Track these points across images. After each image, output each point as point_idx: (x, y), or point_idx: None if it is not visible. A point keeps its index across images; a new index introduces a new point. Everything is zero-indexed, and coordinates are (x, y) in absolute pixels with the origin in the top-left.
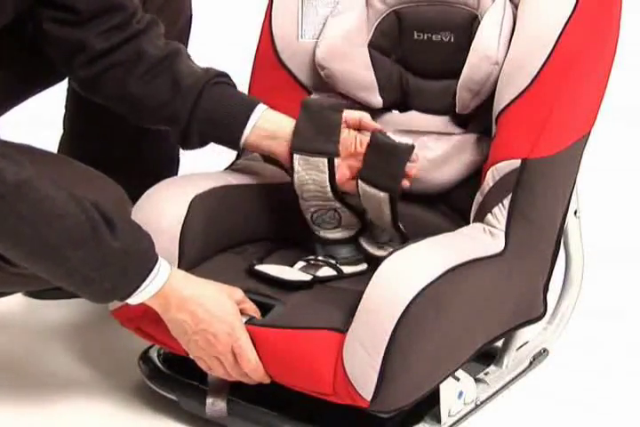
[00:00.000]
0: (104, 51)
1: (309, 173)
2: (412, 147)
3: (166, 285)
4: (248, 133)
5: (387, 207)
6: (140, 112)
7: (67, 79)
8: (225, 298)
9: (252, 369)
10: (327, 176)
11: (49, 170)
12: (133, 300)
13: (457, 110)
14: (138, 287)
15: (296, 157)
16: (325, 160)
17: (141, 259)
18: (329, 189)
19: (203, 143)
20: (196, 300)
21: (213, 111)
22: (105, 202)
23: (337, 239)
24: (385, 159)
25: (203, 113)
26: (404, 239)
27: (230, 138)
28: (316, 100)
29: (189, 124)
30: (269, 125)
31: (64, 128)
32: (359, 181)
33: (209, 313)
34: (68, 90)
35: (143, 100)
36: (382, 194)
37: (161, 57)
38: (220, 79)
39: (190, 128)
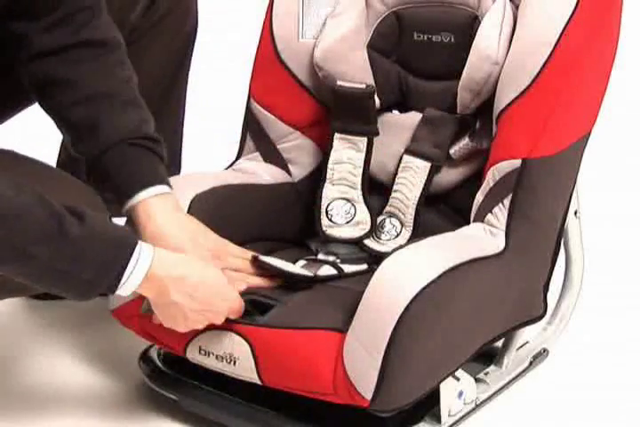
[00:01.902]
0: (45, 51)
1: (347, 152)
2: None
3: (153, 266)
4: (127, 208)
5: (423, 179)
6: (64, 134)
7: None
8: (214, 270)
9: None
10: (364, 154)
11: (27, 176)
12: (124, 289)
13: (458, 111)
14: (122, 274)
15: (337, 136)
16: (365, 139)
17: (118, 243)
18: (361, 169)
19: (99, 190)
20: (190, 279)
21: (108, 172)
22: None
23: (342, 239)
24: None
25: (102, 166)
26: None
27: (118, 201)
28: (347, 88)
29: (91, 168)
30: (141, 216)
31: None
32: (404, 155)
33: (208, 292)
34: None
35: (62, 127)
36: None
37: (97, 92)
38: (140, 142)
39: (92, 171)
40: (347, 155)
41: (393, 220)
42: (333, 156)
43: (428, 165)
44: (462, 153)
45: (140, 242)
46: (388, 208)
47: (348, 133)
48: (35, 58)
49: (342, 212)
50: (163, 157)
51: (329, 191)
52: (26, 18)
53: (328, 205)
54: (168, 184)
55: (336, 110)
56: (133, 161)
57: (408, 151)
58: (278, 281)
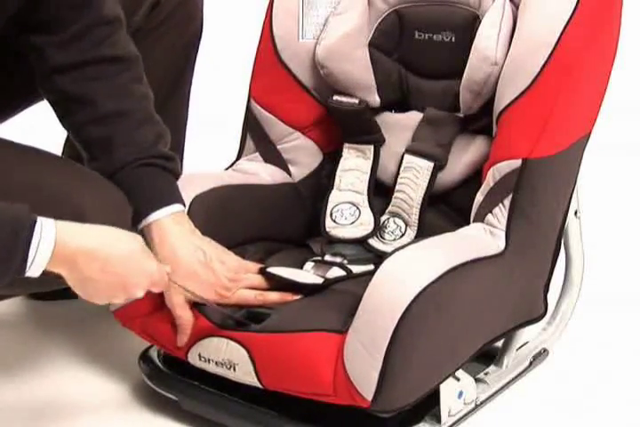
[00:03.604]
0: (60, 68)
1: (356, 160)
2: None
3: (59, 241)
4: (152, 220)
5: (426, 179)
6: (79, 149)
7: None
8: (128, 240)
9: (162, 286)
10: (371, 161)
11: (50, 172)
12: (33, 269)
13: (461, 111)
14: (27, 253)
15: (347, 145)
16: (372, 147)
17: (14, 227)
18: (368, 176)
19: None
20: (103, 251)
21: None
22: (107, 206)
23: (345, 239)
24: None
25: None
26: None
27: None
28: (341, 103)
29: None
30: (154, 236)
31: None
32: (405, 154)
33: (122, 264)
34: None
35: (77, 142)
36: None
37: (112, 111)
38: (154, 161)
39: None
40: (355, 162)
41: (397, 220)
42: (342, 164)
43: (430, 164)
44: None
45: (39, 219)
46: (391, 208)
47: (356, 143)
48: (52, 73)
49: (347, 214)
50: (178, 175)
51: (335, 197)
52: (43, 31)
53: (333, 207)
54: (182, 203)
55: (337, 123)
56: (146, 181)
57: (409, 151)
58: (295, 296)
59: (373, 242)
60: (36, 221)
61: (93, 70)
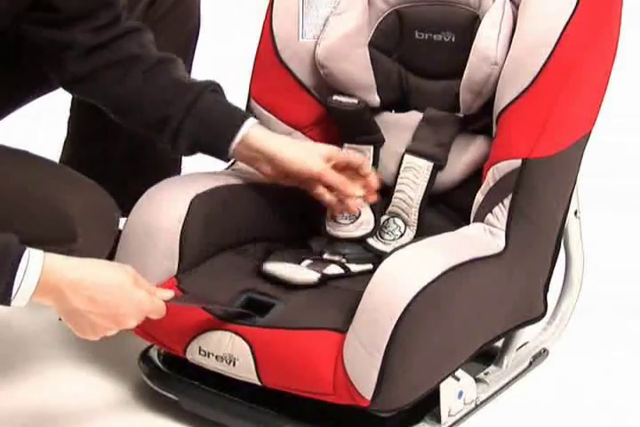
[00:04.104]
0: (94, 46)
1: None
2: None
3: (45, 271)
4: (237, 142)
5: (426, 179)
6: (135, 111)
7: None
8: (115, 270)
9: (158, 315)
10: (370, 162)
11: (38, 175)
12: (19, 298)
13: (461, 111)
14: (12, 283)
15: (346, 146)
16: (371, 147)
17: (3, 252)
18: None
19: (190, 149)
20: (90, 281)
21: (208, 114)
22: (94, 208)
23: (347, 238)
24: None
25: (198, 114)
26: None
27: (219, 144)
28: (340, 103)
29: (182, 124)
30: (258, 139)
31: (68, 130)
32: (405, 154)
33: (110, 294)
34: None
35: (142, 97)
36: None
37: (159, 60)
38: (217, 88)
39: (182, 129)
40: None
41: (397, 220)
42: None
43: (430, 164)
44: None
45: (27, 249)
46: (391, 208)
47: (356, 143)
48: (90, 52)
49: (347, 213)
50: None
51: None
52: (68, 24)
53: None
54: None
55: (337, 123)
56: (223, 101)
57: (409, 151)
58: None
59: (373, 242)
60: (24, 251)
61: (123, 40)
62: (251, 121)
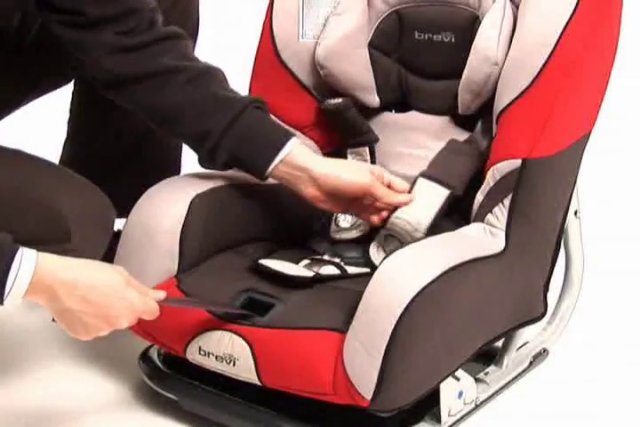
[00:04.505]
0: (123, 48)
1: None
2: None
3: (39, 271)
4: (278, 161)
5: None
6: (173, 123)
7: (72, 83)
8: (108, 271)
9: (151, 315)
10: (368, 162)
11: (32, 175)
12: (12, 297)
13: (459, 111)
14: (4, 281)
15: (349, 151)
16: (367, 148)
17: None
18: None
19: (227, 164)
20: (83, 281)
21: (251, 130)
22: (89, 208)
23: (347, 239)
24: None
25: (239, 129)
26: None
27: (259, 162)
28: (332, 105)
29: (222, 138)
30: (302, 157)
31: (68, 130)
32: (419, 178)
33: (102, 294)
34: (72, 93)
35: (183, 109)
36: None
37: (203, 69)
38: (261, 105)
39: (221, 143)
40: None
41: (395, 240)
42: None
43: (447, 192)
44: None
45: (20, 248)
46: (391, 226)
47: (354, 146)
48: (120, 52)
49: (349, 217)
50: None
51: None
52: (96, 26)
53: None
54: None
55: (335, 128)
56: (267, 118)
57: (425, 176)
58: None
59: (374, 252)
60: (17, 250)
61: (158, 46)
62: (294, 140)
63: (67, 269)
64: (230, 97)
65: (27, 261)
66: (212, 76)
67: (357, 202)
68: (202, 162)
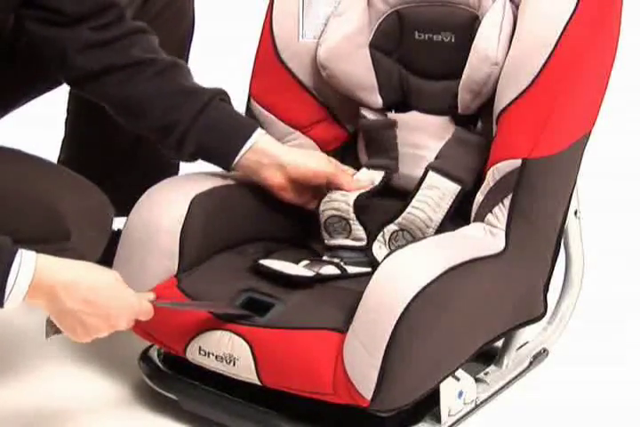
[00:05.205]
0: (96, 43)
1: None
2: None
3: (39, 272)
4: (246, 150)
5: (450, 202)
6: (141, 115)
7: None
8: (107, 272)
9: (146, 316)
10: (374, 183)
11: (30, 174)
12: (12, 299)
13: (459, 111)
14: (4, 282)
15: (363, 170)
16: (383, 173)
17: None
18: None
19: (194, 155)
20: (83, 282)
21: (217, 121)
22: (87, 207)
23: (344, 246)
24: None
25: (207, 120)
26: None
27: (227, 151)
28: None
29: (189, 129)
30: (268, 146)
31: (66, 130)
32: (430, 171)
33: (104, 296)
34: (69, 92)
35: (149, 102)
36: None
37: (169, 63)
38: (225, 97)
39: (189, 134)
40: (361, 178)
41: (406, 234)
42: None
43: (458, 188)
44: None
45: (20, 250)
46: (403, 221)
47: (371, 168)
48: (89, 48)
49: (339, 229)
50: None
51: (325, 206)
52: (70, 25)
53: (325, 221)
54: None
55: (361, 143)
56: (232, 110)
57: (434, 169)
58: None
59: (377, 250)
60: (16, 252)
61: (127, 41)
62: (260, 130)
63: (66, 270)
64: (197, 89)
65: (26, 263)
66: (179, 69)
67: (316, 191)
68: (168, 153)
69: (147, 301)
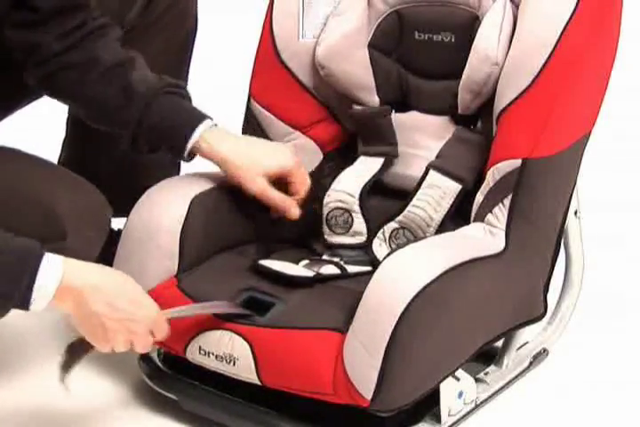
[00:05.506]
0: (59, 51)
1: (362, 167)
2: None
3: (66, 275)
4: (190, 147)
5: (451, 201)
6: (95, 115)
7: None
8: (130, 280)
9: (163, 337)
10: (375, 171)
11: (27, 173)
12: (39, 302)
13: (459, 111)
14: (32, 285)
15: (362, 158)
16: (382, 159)
17: (24, 255)
18: (365, 180)
19: (151, 150)
20: (110, 287)
21: (160, 120)
22: (84, 207)
23: (344, 244)
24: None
25: (150, 120)
26: None
27: (175, 148)
28: (361, 110)
29: (137, 130)
30: (212, 142)
31: (66, 130)
32: (430, 170)
33: (127, 300)
34: None
35: (97, 103)
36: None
37: (116, 63)
38: (172, 89)
39: (138, 134)
40: (360, 168)
41: (407, 233)
42: (348, 170)
43: (459, 187)
44: None
45: (47, 253)
46: (403, 219)
47: (370, 155)
48: (54, 57)
49: (340, 222)
50: (191, 98)
51: (329, 198)
52: (39, 26)
53: (328, 213)
54: (210, 117)
55: (358, 133)
56: (175, 105)
57: (435, 168)
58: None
59: (377, 248)
60: (44, 255)
61: (86, 41)
62: (204, 126)
63: (92, 275)
64: (139, 87)
65: (53, 267)
66: (126, 65)
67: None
68: (130, 150)
69: (163, 316)
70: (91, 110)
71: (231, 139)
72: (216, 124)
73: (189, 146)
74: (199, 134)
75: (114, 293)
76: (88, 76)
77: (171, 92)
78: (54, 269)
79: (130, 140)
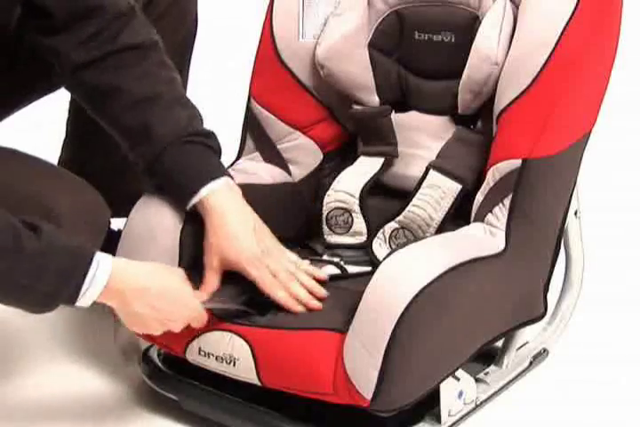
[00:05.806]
0: (79, 63)
1: (362, 167)
2: None
3: (113, 277)
4: (191, 206)
5: (451, 201)
6: (113, 135)
7: None
8: (177, 278)
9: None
10: (376, 171)
11: (25, 173)
12: (84, 299)
13: (459, 111)
14: (81, 284)
15: (362, 158)
16: (382, 159)
17: (75, 254)
18: (365, 180)
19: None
20: (152, 290)
21: (169, 170)
22: (82, 207)
23: (344, 244)
24: None
25: (160, 167)
26: None
27: (180, 201)
28: (361, 110)
29: (147, 172)
30: (208, 211)
31: (67, 131)
32: (430, 170)
33: (170, 302)
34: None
35: (116, 131)
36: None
37: (142, 97)
38: (195, 138)
39: (148, 176)
40: (361, 168)
41: (407, 233)
42: (349, 170)
43: (459, 187)
44: None
45: (97, 252)
46: (403, 219)
47: (370, 155)
48: (75, 70)
49: (340, 222)
50: (218, 150)
51: (329, 198)
52: (57, 33)
53: (328, 213)
54: (229, 175)
55: (359, 133)
56: (191, 158)
57: (435, 168)
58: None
59: (377, 248)
60: (94, 253)
61: (117, 60)
62: (206, 190)
63: (138, 277)
64: (160, 132)
65: (103, 266)
66: (150, 103)
67: None
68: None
69: (203, 308)
70: (114, 135)
71: (236, 203)
72: (230, 176)
73: (190, 204)
74: (198, 199)
75: (156, 295)
76: (109, 105)
77: (192, 142)
78: (102, 271)
79: (146, 174)
